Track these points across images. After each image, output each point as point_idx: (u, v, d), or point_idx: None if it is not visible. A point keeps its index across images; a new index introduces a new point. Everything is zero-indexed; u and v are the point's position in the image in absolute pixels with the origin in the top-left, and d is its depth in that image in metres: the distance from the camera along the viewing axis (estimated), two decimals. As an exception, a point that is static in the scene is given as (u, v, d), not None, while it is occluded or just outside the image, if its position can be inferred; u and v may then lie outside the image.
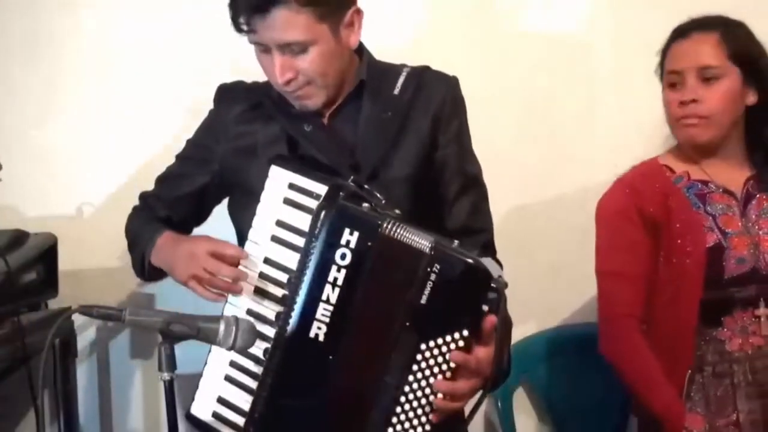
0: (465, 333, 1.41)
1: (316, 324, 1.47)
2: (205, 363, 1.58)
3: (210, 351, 1.58)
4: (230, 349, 1.39)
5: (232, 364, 1.56)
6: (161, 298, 2.28)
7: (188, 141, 1.80)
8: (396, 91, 1.65)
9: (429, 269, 1.42)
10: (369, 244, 1.45)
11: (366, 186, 1.52)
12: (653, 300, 1.91)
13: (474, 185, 1.71)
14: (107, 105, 2.33)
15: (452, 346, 1.42)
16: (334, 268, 1.46)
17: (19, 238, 2.05)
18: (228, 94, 1.75)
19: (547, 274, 2.47)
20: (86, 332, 2.33)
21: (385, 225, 1.45)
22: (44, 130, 2.32)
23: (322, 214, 1.48)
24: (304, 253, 1.49)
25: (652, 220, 1.90)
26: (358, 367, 1.48)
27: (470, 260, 1.42)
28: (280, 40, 1.54)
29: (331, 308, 1.46)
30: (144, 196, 1.82)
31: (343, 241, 1.45)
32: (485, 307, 1.41)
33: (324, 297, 1.46)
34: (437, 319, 1.42)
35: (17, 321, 1.90)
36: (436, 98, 1.67)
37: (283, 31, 1.53)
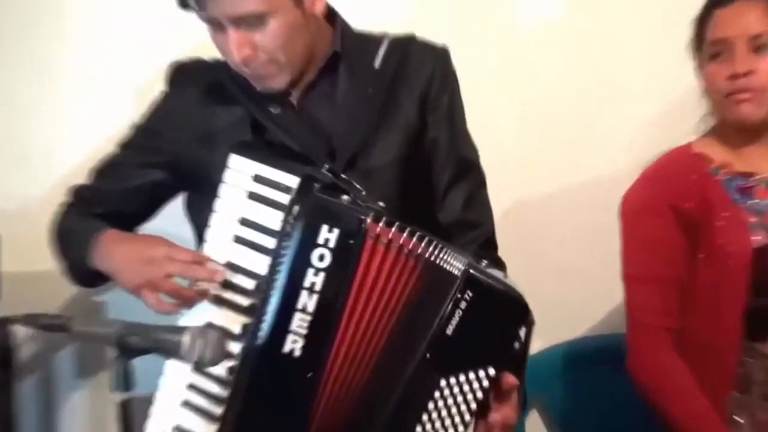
0: (491, 372, 1.39)
1: (290, 337, 1.41)
2: (159, 386, 1.51)
3: (164, 372, 1.50)
4: (196, 365, 1.35)
5: (192, 386, 1.49)
6: (113, 305, 2.18)
7: (135, 127, 1.72)
8: (377, 64, 1.62)
9: (460, 296, 1.39)
10: (351, 242, 1.39)
11: (343, 176, 1.47)
12: (690, 309, 1.85)
13: (469, 171, 1.67)
14: (44, 91, 2.24)
15: (475, 385, 1.39)
16: (310, 271, 1.40)
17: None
18: (183, 73, 1.69)
19: (562, 278, 2.41)
20: (26, 346, 2.25)
21: (373, 224, 1.39)
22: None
23: (295, 209, 1.41)
24: (275, 255, 1.42)
25: (688, 217, 1.84)
26: (351, 391, 1.43)
27: (509, 290, 1.41)
28: (233, 14, 1.49)
29: (308, 318, 1.41)
30: (77, 191, 1.74)
31: (320, 240, 1.40)
32: (516, 344, 1.39)
33: (299, 305, 1.40)
34: (463, 353, 1.40)
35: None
36: (423, 72, 1.63)
37: (236, 3, 1.48)
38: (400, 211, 1.47)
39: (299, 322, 1.41)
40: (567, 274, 2.43)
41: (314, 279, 1.40)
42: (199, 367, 1.39)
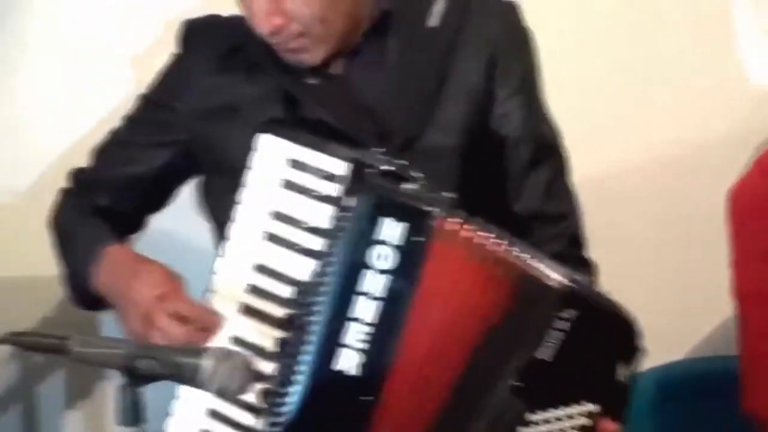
0: (592, 407, 1.37)
1: (344, 352, 1.39)
2: (170, 415, 1.50)
3: (178, 397, 1.49)
4: (219, 394, 1.33)
5: (214, 414, 1.47)
6: (108, 321, 2.05)
7: (142, 97, 1.68)
8: (432, 23, 1.57)
9: (561, 315, 1.37)
10: (417, 240, 1.37)
11: (401, 161, 1.42)
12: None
13: (550, 154, 1.64)
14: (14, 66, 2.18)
15: (570, 423, 1.39)
16: (368, 273, 1.37)
17: None
18: (197, 33, 1.66)
19: (652, 283, 2.37)
20: (5, 372, 2.23)
21: (442, 219, 1.38)
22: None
23: (347, 200, 1.39)
24: (324, 254, 1.40)
25: None
26: (414, 422, 1.41)
27: (619, 310, 1.40)
28: None
29: (366, 329, 1.38)
30: (77, 175, 1.71)
31: (380, 237, 1.38)
32: (621, 376, 1.41)
33: (355, 314, 1.38)
34: (560, 383, 1.39)
35: None
36: (489, 32, 1.59)
37: None
38: (462, 202, 1.44)
39: (355, 334, 1.39)
40: (658, 279, 2.39)
41: (373, 283, 1.38)
42: (222, 396, 1.39)
